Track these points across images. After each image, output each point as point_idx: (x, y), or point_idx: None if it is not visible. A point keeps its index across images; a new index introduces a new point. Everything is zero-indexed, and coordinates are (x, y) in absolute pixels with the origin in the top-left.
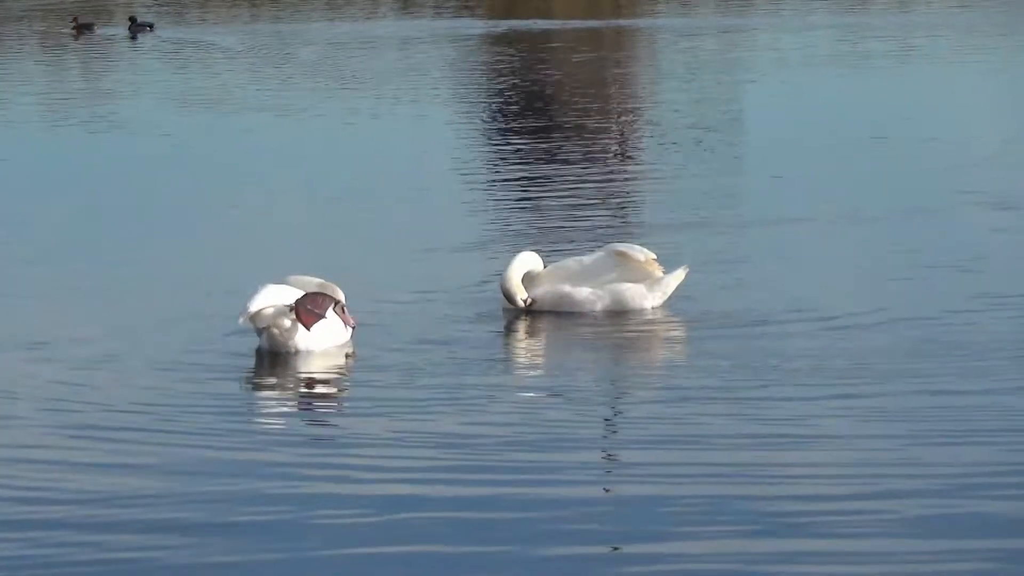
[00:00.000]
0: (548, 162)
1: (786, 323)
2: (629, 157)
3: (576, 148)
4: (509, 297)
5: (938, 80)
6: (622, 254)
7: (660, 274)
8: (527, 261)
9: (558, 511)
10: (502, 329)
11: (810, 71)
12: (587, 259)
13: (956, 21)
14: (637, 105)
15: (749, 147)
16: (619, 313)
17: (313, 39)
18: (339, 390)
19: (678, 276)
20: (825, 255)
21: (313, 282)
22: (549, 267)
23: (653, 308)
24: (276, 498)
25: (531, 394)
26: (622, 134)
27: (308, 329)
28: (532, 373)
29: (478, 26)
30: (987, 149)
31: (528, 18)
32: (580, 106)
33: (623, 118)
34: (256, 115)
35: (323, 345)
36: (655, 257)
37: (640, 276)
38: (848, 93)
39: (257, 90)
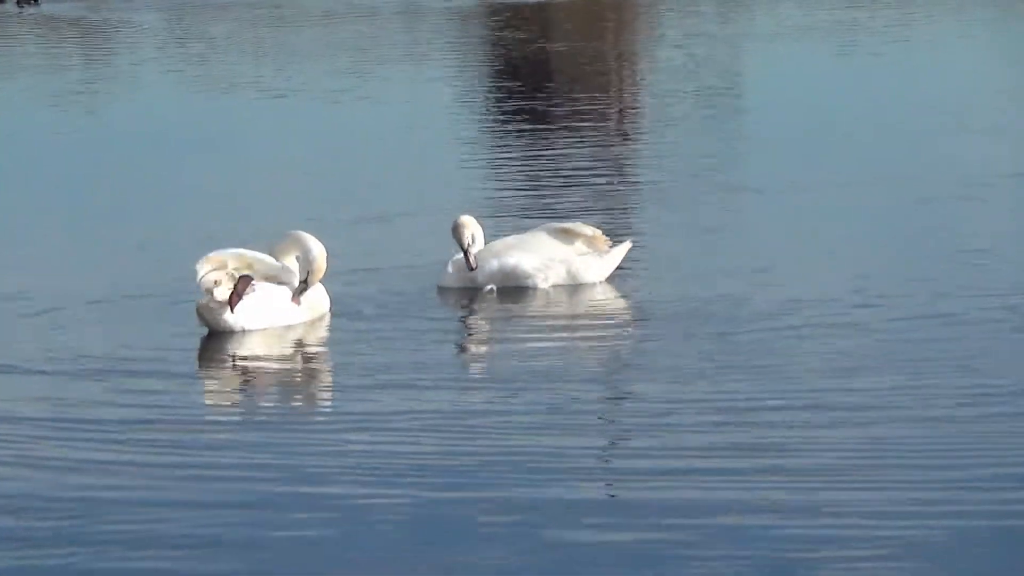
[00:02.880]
0: (540, 135)
1: (779, 319)
2: (625, 130)
3: (571, 121)
4: (458, 230)
5: (939, 51)
6: (566, 230)
7: (607, 248)
8: (475, 225)
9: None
10: (464, 312)
11: (810, 42)
12: (525, 235)
13: None
14: (635, 77)
15: (747, 122)
16: (574, 293)
17: (304, 11)
18: (272, 384)
19: (622, 250)
20: (822, 242)
21: (310, 245)
22: (489, 243)
23: (600, 282)
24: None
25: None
26: (620, 107)
27: (232, 310)
28: (502, 374)
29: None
30: (988, 125)
31: None
32: (576, 79)
33: (621, 91)
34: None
35: (259, 325)
36: (602, 232)
37: (587, 251)
38: (848, 64)
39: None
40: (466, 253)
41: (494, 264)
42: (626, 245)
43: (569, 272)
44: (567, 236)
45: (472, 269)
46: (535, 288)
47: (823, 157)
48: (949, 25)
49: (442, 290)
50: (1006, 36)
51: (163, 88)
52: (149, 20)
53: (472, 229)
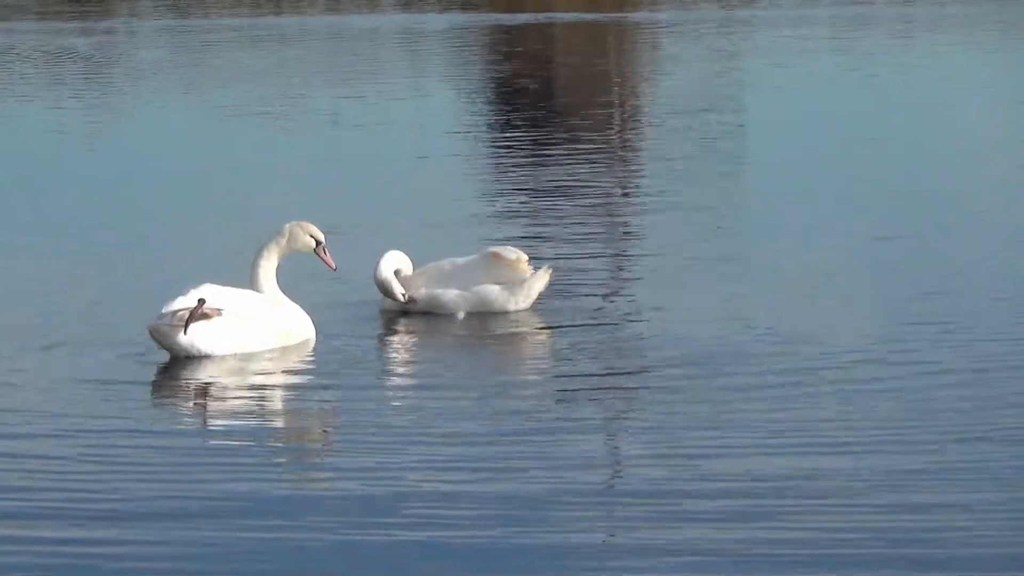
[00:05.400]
0: (535, 156)
1: (765, 359)
2: (624, 153)
3: (569, 144)
4: (384, 289)
5: (941, 76)
6: (495, 255)
7: (528, 275)
8: (398, 259)
9: None
10: (420, 346)
11: (811, 66)
12: (461, 260)
13: (957, 14)
14: (636, 100)
15: (747, 148)
16: (489, 317)
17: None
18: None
19: (541, 278)
20: (820, 278)
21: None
22: (419, 269)
23: (517, 311)
24: None
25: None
26: (620, 130)
27: (184, 332)
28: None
29: (480, 20)
30: (996, 154)
31: (529, 12)
32: (576, 102)
33: (621, 113)
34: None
35: (219, 351)
36: (527, 258)
37: (511, 277)
38: (850, 89)
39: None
40: (401, 299)
41: (422, 291)
42: (545, 272)
43: (484, 301)
44: (493, 261)
45: (413, 301)
46: (456, 316)
47: (825, 183)
48: (954, 47)
49: (384, 312)
50: (1012, 57)
51: (155, 112)
52: (80, 45)
53: (393, 274)
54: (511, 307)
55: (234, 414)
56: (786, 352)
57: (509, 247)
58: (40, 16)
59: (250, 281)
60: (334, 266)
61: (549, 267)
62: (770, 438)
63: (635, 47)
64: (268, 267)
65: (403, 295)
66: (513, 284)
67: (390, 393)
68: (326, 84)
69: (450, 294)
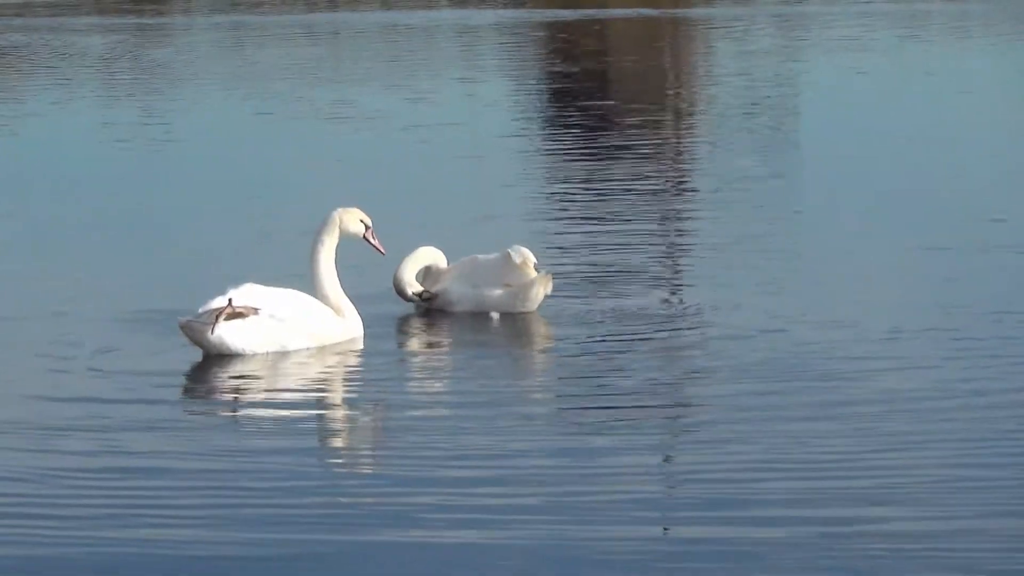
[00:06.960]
0: (587, 156)
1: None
2: (678, 151)
3: (622, 141)
4: (398, 289)
5: (1003, 73)
6: (507, 256)
7: (533, 276)
8: (427, 255)
9: None
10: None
11: (869, 64)
12: (483, 257)
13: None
14: (690, 97)
15: (804, 149)
16: (531, 319)
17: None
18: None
19: (541, 282)
20: (876, 286)
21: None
22: (452, 264)
23: (522, 313)
24: None
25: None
26: (674, 128)
27: (212, 331)
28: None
29: (534, 16)
30: None
31: (584, 7)
32: (630, 98)
33: (675, 111)
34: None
35: (245, 349)
36: (534, 261)
37: (520, 279)
38: (908, 89)
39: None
40: (421, 298)
41: (440, 288)
42: (545, 277)
43: (487, 302)
44: (507, 261)
45: (433, 297)
46: (491, 317)
47: (884, 187)
48: (1009, 46)
49: (417, 308)
50: None
51: (205, 108)
52: (95, 44)
53: (411, 274)
54: (510, 309)
55: (250, 414)
56: (838, 366)
57: (521, 248)
58: (98, 12)
59: (312, 278)
60: (384, 251)
61: (549, 272)
62: (830, 460)
63: (690, 43)
64: (328, 261)
65: (414, 293)
66: (516, 287)
67: (416, 399)
68: (378, 80)
69: (458, 292)
